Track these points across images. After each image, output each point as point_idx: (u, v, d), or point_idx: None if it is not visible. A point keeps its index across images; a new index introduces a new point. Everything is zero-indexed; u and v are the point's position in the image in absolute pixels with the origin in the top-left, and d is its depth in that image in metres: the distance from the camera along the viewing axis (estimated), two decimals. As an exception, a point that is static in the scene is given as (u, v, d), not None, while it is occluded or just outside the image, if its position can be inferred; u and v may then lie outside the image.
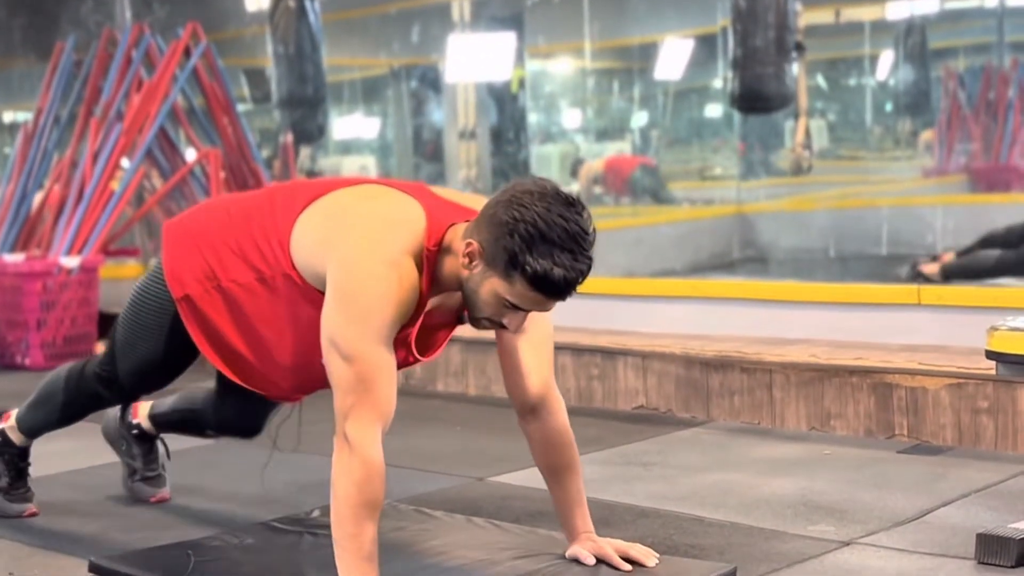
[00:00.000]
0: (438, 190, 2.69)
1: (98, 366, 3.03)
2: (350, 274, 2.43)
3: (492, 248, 2.38)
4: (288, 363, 2.75)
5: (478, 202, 2.57)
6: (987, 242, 5.84)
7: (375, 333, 2.39)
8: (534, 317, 2.66)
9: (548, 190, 2.39)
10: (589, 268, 2.40)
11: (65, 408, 3.12)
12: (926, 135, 9.54)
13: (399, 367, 2.65)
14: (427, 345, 2.69)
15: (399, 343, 2.54)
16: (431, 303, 2.57)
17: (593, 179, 9.38)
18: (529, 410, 2.70)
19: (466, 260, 2.43)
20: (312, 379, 2.72)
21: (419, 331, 2.58)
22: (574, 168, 9.65)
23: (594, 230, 2.41)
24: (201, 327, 2.79)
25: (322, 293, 2.50)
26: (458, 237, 2.48)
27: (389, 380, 2.42)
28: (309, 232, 2.61)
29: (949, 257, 5.93)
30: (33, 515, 3.29)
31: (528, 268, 2.35)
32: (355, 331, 2.39)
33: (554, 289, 2.38)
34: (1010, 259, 5.65)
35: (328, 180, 2.83)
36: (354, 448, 2.35)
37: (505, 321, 2.46)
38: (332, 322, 2.43)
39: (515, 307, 2.43)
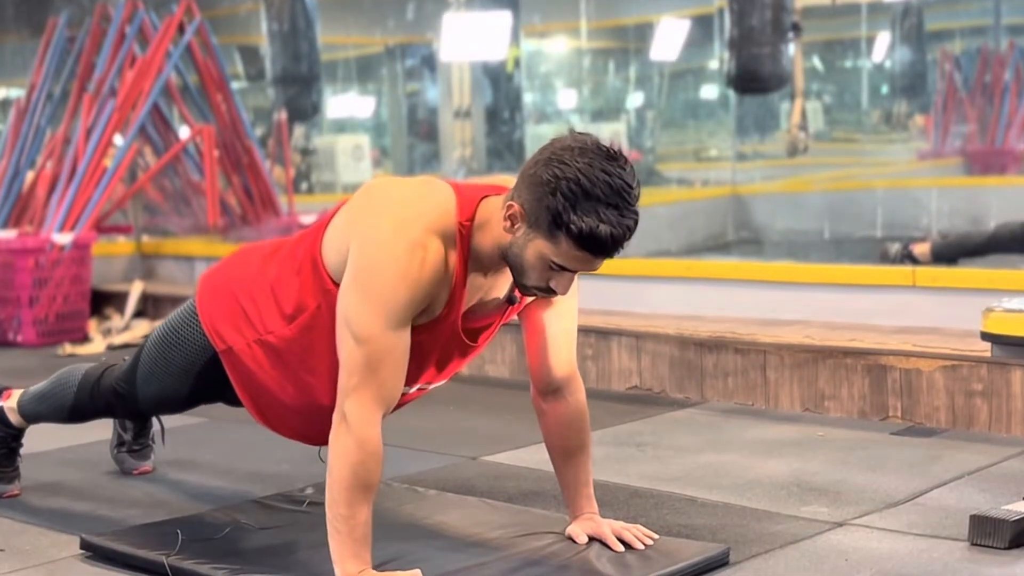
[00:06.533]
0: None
1: (116, 382, 2.97)
2: (369, 255, 2.37)
3: (535, 208, 2.31)
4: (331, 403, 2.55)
5: (507, 181, 2.52)
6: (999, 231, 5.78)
7: (389, 316, 2.35)
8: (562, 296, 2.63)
9: (589, 145, 2.32)
10: (636, 223, 2.32)
11: (74, 411, 3.08)
12: (917, 119, 9.53)
13: (452, 360, 2.62)
14: (477, 333, 2.61)
15: (446, 331, 2.49)
16: (472, 284, 2.49)
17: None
18: (553, 390, 2.68)
19: (508, 224, 2.36)
20: None
21: (468, 318, 2.52)
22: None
23: (638, 184, 2.33)
24: (242, 378, 2.73)
25: None
26: (494, 208, 2.42)
27: (398, 365, 2.38)
28: (336, 227, 2.54)
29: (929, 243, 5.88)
30: (14, 496, 3.26)
31: (573, 227, 2.27)
32: (369, 313, 2.35)
33: (601, 247, 2.30)
34: (1003, 236, 5.63)
35: None
36: (352, 428, 2.33)
37: (552, 284, 2.39)
38: (347, 301, 2.38)
39: (562, 268, 2.36)
